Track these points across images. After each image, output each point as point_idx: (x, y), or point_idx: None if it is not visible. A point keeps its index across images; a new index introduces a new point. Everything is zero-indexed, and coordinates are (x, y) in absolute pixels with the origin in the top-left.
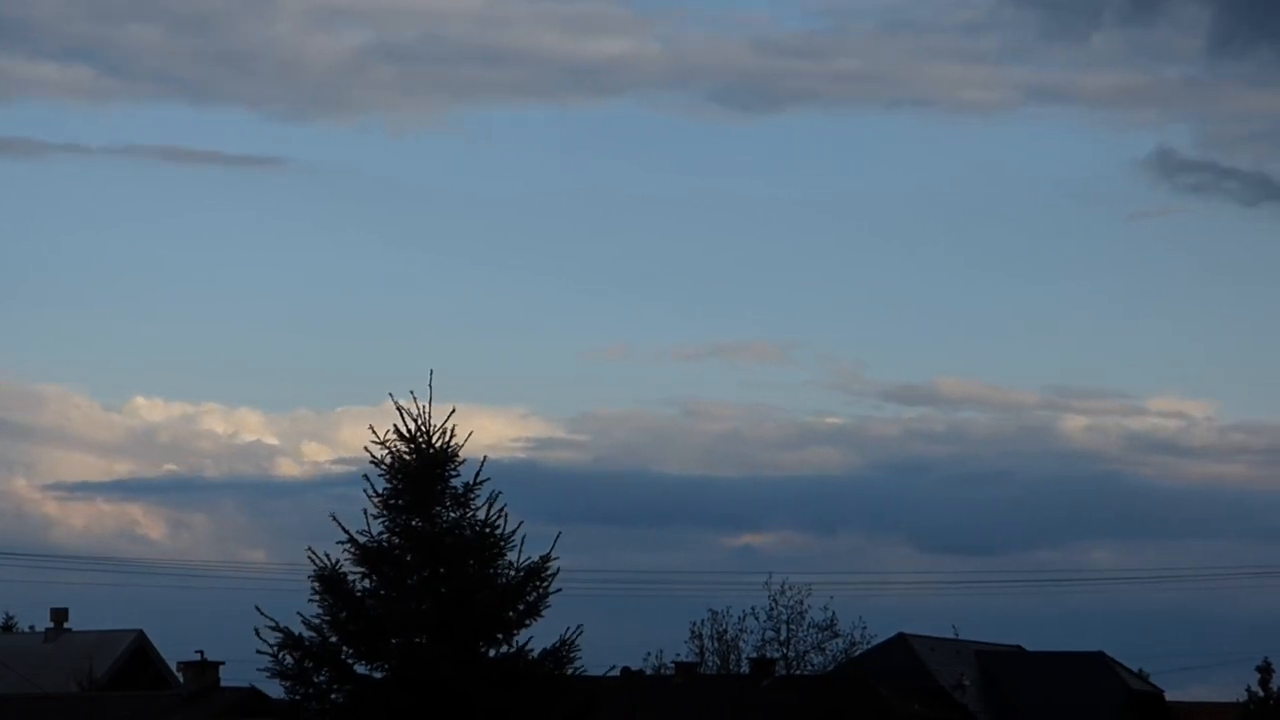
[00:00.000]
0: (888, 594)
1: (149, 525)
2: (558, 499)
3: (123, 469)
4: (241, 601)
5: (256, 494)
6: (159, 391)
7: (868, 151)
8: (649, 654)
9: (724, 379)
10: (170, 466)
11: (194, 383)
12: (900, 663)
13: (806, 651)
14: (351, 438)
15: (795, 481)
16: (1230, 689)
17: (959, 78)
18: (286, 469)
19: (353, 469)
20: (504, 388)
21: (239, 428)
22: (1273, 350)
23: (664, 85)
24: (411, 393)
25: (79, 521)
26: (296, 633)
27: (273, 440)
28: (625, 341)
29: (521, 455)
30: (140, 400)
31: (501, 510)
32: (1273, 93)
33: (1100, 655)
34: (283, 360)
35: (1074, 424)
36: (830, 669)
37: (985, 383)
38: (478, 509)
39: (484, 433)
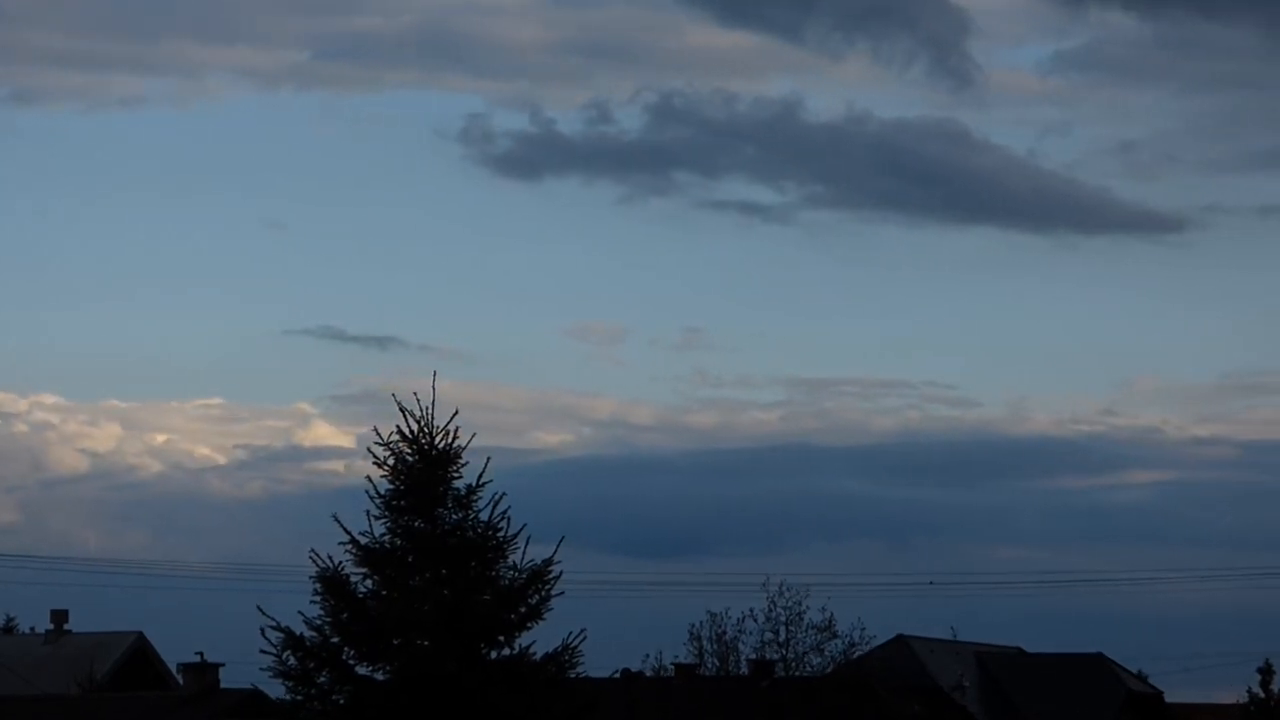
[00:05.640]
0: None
1: None
2: None
3: None
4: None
5: None
6: None
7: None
8: (648, 655)
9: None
10: None
11: None
12: (900, 664)
13: (806, 653)
14: None
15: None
16: (1230, 689)
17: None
18: None
19: None
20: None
21: None
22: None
23: None
24: (415, 394)
25: None
26: (298, 633)
27: None
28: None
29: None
30: None
31: (505, 513)
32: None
33: (1100, 656)
34: None
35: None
36: (829, 670)
37: None
38: (480, 510)
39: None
